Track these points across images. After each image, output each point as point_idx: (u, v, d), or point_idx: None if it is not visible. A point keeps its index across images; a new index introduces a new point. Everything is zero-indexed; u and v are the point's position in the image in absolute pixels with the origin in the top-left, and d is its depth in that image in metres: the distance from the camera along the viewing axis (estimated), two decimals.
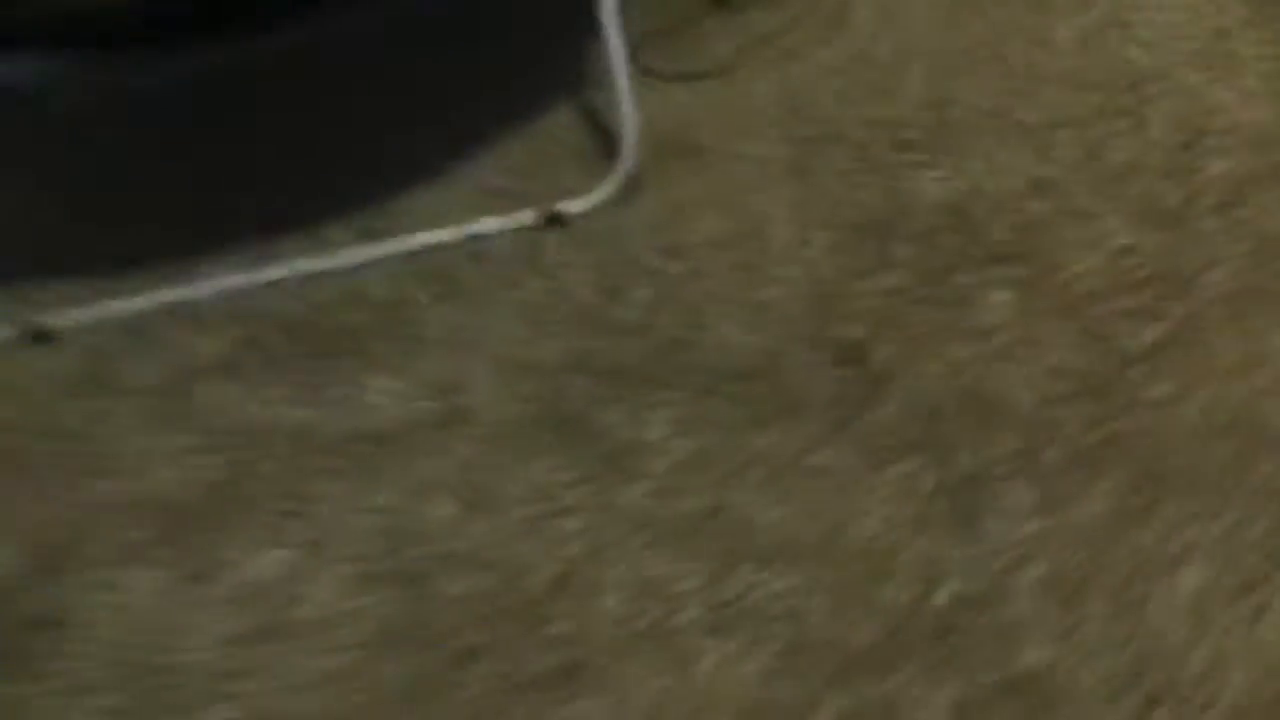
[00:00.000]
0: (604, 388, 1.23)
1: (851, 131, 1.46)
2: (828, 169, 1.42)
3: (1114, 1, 1.52)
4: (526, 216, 1.53)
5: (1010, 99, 1.43)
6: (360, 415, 1.35)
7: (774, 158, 1.48)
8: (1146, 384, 0.98)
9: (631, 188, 1.53)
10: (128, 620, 1.18)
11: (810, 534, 0.97)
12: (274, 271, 1.61)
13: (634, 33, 1.61)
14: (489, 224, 1.56)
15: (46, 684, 1.09)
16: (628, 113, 1.54)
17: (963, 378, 1.05)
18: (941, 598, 0.89)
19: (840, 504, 0.99)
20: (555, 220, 1.51)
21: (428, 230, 1.58)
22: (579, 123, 1.70)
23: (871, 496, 0.98)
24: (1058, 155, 1.30)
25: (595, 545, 1.05)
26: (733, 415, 1.13)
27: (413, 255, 1.55)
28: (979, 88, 1.45)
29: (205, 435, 1.41)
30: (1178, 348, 1.00)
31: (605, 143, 1.65)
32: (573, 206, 1.52)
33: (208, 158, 1.86)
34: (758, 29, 1.75)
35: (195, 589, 1.19)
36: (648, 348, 1.25)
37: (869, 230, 1.28)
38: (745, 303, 1.26)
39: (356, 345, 1.46)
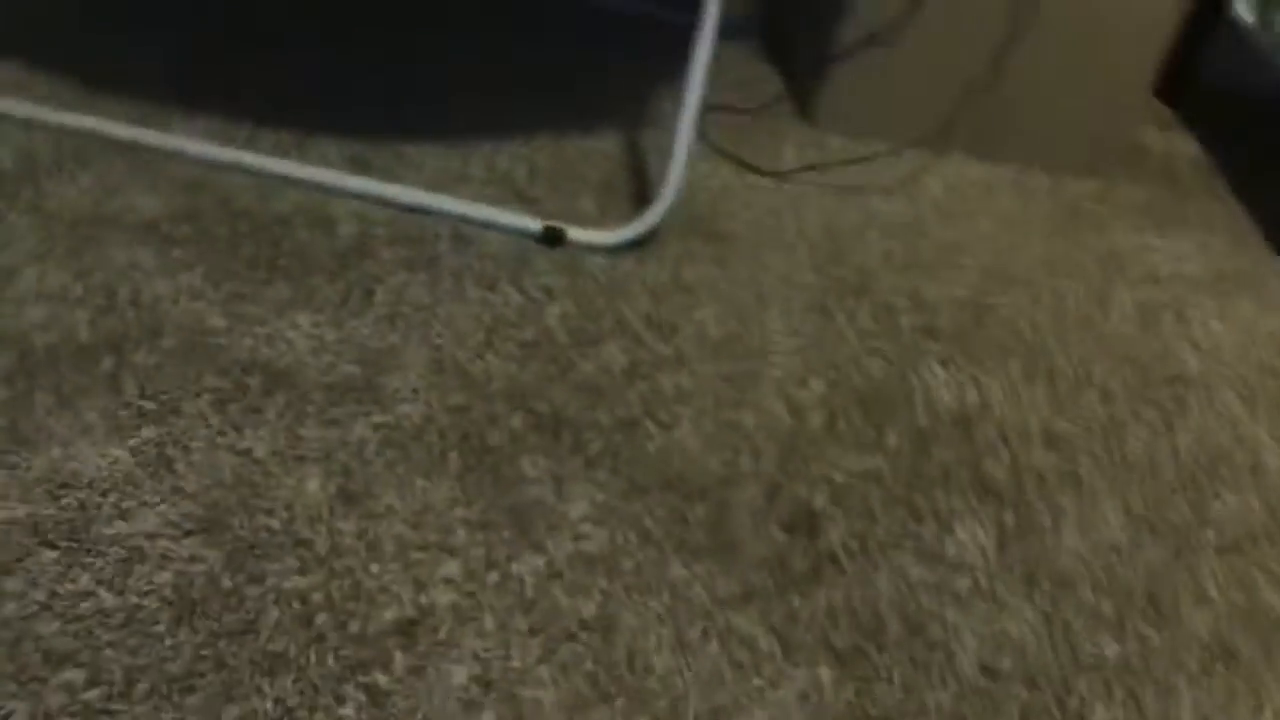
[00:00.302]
0: (538, 437, 1.10)
1: (884, 295, 1.37)
2: (849, 320, 1.32)
3: (1182, 295, 1.48)
4: (530, 223, 1.40)
5: (1051, 338, 1.35)
6: (269, 346, 1.19)
7: (799, 283, 1.39)
8: (1093, 702, 0.89)
9: (647, 245, 1.41)
10: None
11: (696, 702, 0.85)
12: (250, 159, 1.46)
13: (713, 99, 1.53)
14: (489, 212, 1.43)
15: None
16: (676, 171, 1.43)
17: (911, 603, 0.95)
18: None
19: (738, 683, 0.87)
20: (556, 238, 1.39)
21: (425, 190, 1.45)
22: (624, 156, 1.59)
23: (774, 690, 0.86)
24: (1079, 417, 1.22)
25: (465, 605, 0.91)
26: (661, 529, 1.01)
27: (399, 208, 1.41)
28: (1024, 313, 1.38)
29: (96, 292, 1.24)
30: (1136, 679, 0.91)
31: (641, 188, 1.54)
32: (581, 235, 1.40)
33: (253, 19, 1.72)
34: (831, 154, 1.67)
35: (10, 453, 1.01)
36: (600, 416, 1.13)
37: (868, 403, 1.18)
38: (717, 416, 1.15)
39: (299, 271, 1.31)
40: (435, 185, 1.42)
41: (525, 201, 1.42)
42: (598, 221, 1.40)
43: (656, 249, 1.38)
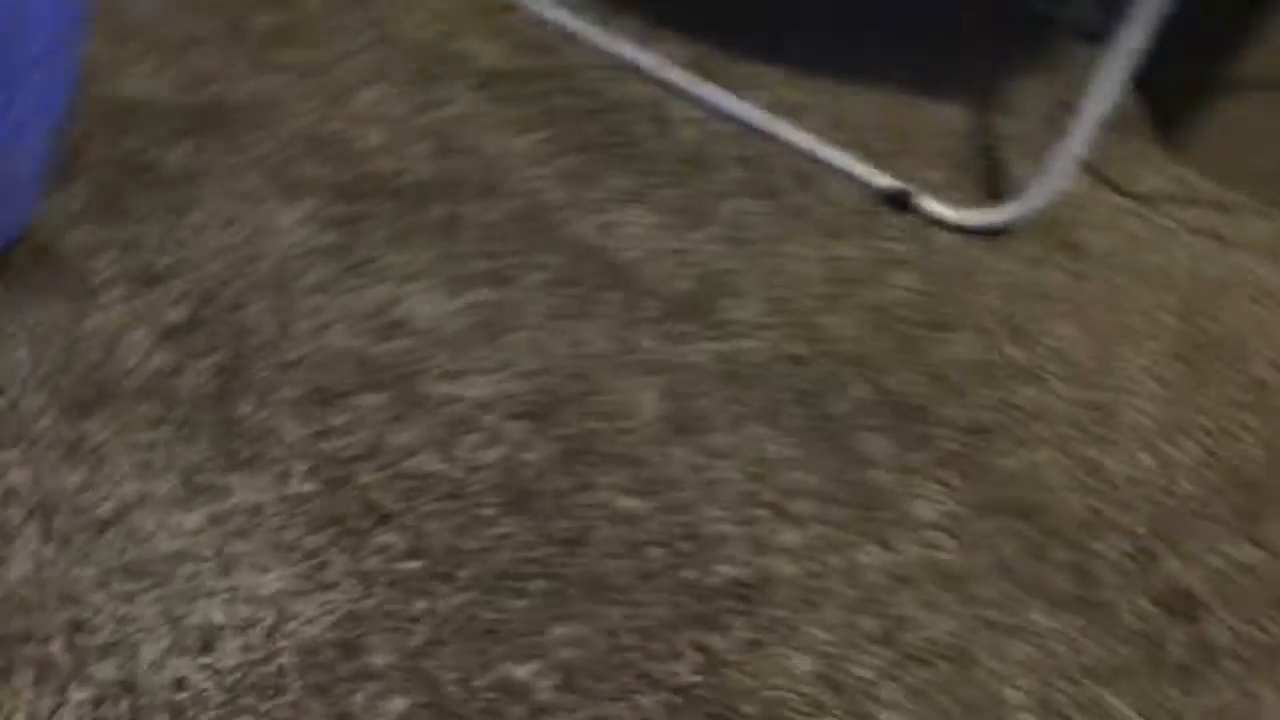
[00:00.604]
0: (884, 417, 0.97)
1: (1259, 368, 1.17)
2: (1219, 384, 1.16)
3: None
4: (879, 179, 1.27)
5: None
6: (608, 236, 1.08)
7: (1163, 326, 1.22)
8: None
9: (998, 236, 1.27)
10: None
11: None
12: (601, 36, 1.34)
13: (1065, 98, 1.37)
14: (838, 156, 1.30)
15: None
16: (1061, 168, 1.28)
17: None
18: None
19: None
20: (904, 202, 1.25)
21: (770, 114, 1.33)
22: (973, 135, 1.45)
23: None
24: None
25: (807, 585, 0.79)
26: (1020, 563, 0.87)
27: (741, 125, 1.30)
28: None
29: (435, 130, 1.15)
30: None
31: (991, 173, 1.40)
32: (933, 205, 1.26)
33: None
34: (1193, 192, 1.50)
35: (340, 279, 0.93)
36: (951, 413, 0.99)
37: (1245, 485, 1.03)
38: (1077, 450, 1.00)
39: (639, 165, 1.19)
40: (778, 112, 1.30)
41: (868, 153, 1.29)
42: (943, 196, 1.26)
43: (1008, 243, 1.23)
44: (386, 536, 0.71)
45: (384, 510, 0.72)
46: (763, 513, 0.83)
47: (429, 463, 0.76)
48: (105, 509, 0.66)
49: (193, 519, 0.66)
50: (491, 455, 0.78)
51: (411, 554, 0.70)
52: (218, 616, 0.62)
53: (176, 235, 0.88)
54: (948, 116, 1.47)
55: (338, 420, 0.77)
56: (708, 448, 0.87)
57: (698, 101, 1.28)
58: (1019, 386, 1.07)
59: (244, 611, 0.63)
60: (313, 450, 0.74)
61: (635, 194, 1.11)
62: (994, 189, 1.35)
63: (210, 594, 0.63)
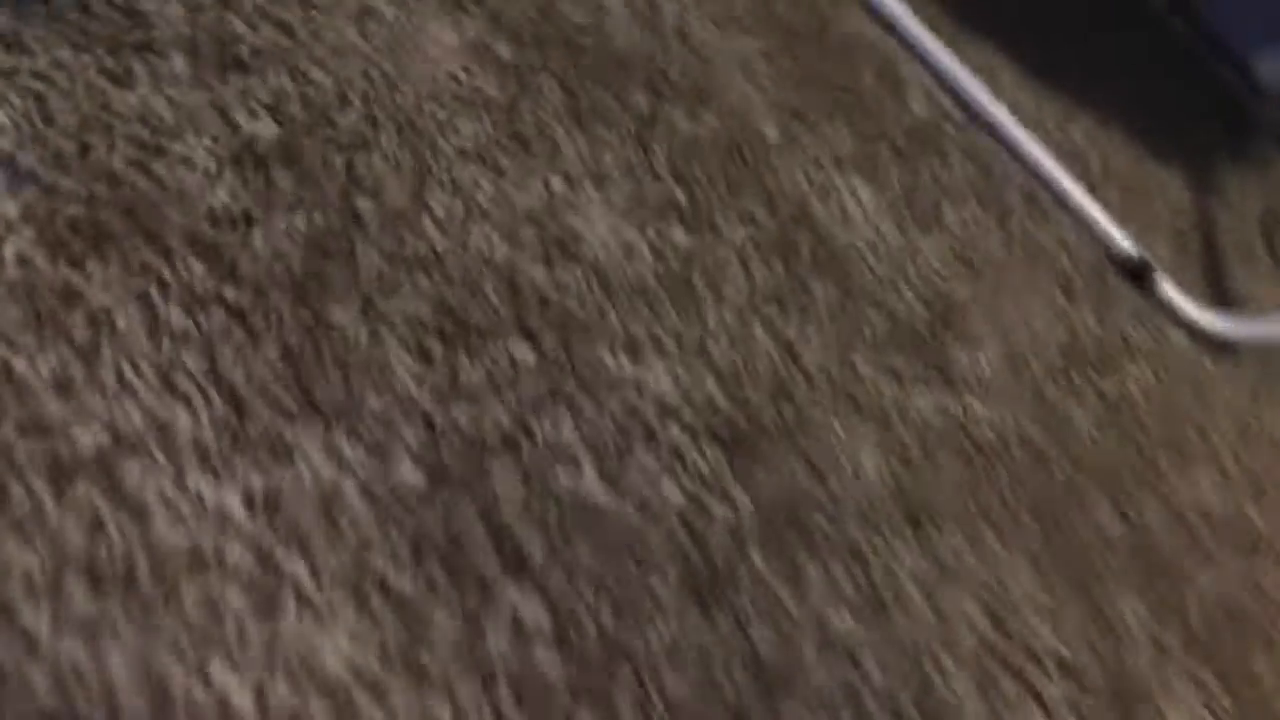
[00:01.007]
0: (1135, 565, 0.69)
1: None
2: None
3: None
4: (1122, 241, 1.01)
5: None
6: (823, 201, 0.80)
7: None
8: None
9: (1225, 349, 1.02)
10: None
11: None
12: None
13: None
14: (1077, 193, 1.04)
15: None
16: None
17: None
18: None
19: None
20: (1141, 276, 0.99)
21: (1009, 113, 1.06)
22: (1194, 214, 1.19)
23: None
24: None
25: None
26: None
27: (979, 120, 1.02)
28: None
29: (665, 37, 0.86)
30: None
31: (1213, 268, 1.15)
32: (1174, 295, 1.00)
33: None
34: None
35: (503, 149, 0.63)
36: (1201, 578, 0.72)
37: None
38: None
39: (863, 124, 0.90)
40: (1013, 112, 1.03)
41: (1097, 196, 1.02)
42: (1175, 280, 1.01)
43: (1232, 361, 0.99)
44: (520, 597, 0.43)
45: (523, 551, 0.44)
46: (1007, 683, 0.56)
47: (589, 483, 0.48)
48: (85, 439, 0.37)
49: (226, 495, 0.38)
50: (674, 495, 0.50)
51: (555, 638, 0.43)
52: (237, 696, 0.34)
53: (282, 13, 0.58)
54: (1169, 183, 1.20)
55: (471, 373, 0.48)
56: (941, 558, 0.60)
57: (934, 69, 1.00)
58: (1263, 564, 0.82)
59: (283, 696, 0.35)
60: (430, 411, 0.46)
61: (855, 157, 0.81)
62: (1215, 284, 1.11)
63: (228, 658, 0.35)
